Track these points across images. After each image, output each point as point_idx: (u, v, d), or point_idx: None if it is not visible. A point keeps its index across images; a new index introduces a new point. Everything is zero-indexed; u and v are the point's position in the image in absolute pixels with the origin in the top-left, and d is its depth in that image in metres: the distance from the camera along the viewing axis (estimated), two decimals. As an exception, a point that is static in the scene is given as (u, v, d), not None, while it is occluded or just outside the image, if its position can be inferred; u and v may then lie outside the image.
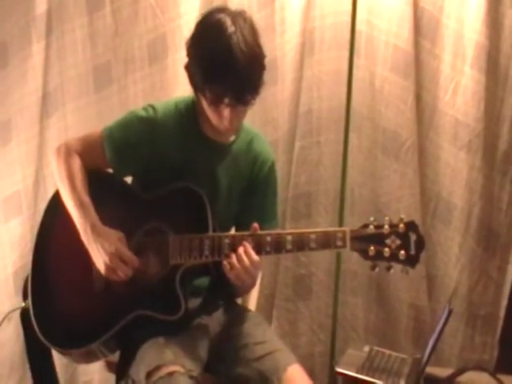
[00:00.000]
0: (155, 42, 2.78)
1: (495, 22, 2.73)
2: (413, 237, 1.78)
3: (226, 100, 1.82)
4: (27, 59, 2.77)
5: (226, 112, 1.86)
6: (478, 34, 2.70)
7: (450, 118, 2.79)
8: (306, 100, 2.83)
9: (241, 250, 1.83)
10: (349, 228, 1.82)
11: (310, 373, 2.04)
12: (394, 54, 2.77)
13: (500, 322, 2.84)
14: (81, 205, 1.94)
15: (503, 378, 2.25)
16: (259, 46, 1.85)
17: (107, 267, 1.88)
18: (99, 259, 1.89)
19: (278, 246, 1.84)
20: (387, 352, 2.35)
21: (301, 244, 1.83)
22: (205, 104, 1.89)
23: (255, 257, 1.82)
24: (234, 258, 1.83)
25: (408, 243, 1.77)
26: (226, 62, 1.77)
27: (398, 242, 1.78)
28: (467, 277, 2.82)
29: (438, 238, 2.84)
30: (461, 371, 2.28)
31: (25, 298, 2.06)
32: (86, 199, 1.95)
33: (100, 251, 1.88)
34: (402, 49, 2.75)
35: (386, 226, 1.79)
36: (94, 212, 1.93)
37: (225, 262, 1.84)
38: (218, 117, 1.89)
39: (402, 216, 1.80)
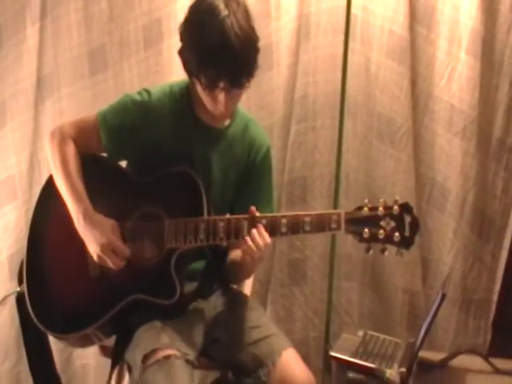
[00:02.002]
0: (150, 26, 2.77)
1: (490, 8, 2.72)
2: (407, 219, 1.77)
3: (221, 84, 1.82)
4: (21, 43, 2.76)
5: (221, 96, 1.85)
6: (473, 20, 2.70)
7: (445, 104, 2.79)
8: (302, 85, 2.82)
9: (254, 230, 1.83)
10: (343, 210, 1.82)
11: (305, 357, 2.03)
12: (390, 40, 2.76)
13: (493, 307, 2.86)
14: (74, 192, 1.94)
15: (496, 361, 2.27)
16: (253, 29, 1.84)
17: (98, 257, 1.89)
18: (91, 247, 1.90)
19: (273, 229, 1.84)
20: (381, 336, 2.36)
21: (295, 227, 1.83)
22: (199, 89, 1.89)
23: (268, 238, 1.82)
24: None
25: (402, 225, 1.77)
26: (221, 46, 1.77)
27: (393, 223, 1.77)
28: (461, 262, 2.84)
29: (432, 224, 2.85)
30: (454, 355, 2.29)
31: (20, 282, 2.07)
32: (80, 186, 1.95)
33: (92, 240, 1.90)
34: (397, 34, 2.74)
35: (381, 208, 1.78)
36: (88, 199, 1.94)
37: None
38: (213, 101, 1.88)
39: (397, 198, 1.79)
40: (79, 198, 1.93)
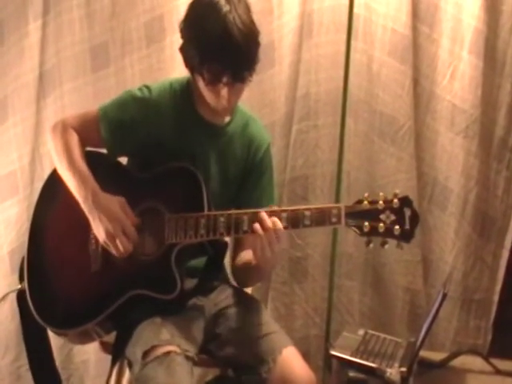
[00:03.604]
0: (152, 22, 2.77)
1: (493, 8, 2.72)
2: (407, 212, 1.76)
3: (225, 79, 1.82)
4: (24, 38, 2.77)
5: (224, 91, 1.86)
6: (476, 20, 2.69)
7: (447, 103, 2.78)
8: (304, 83, 2.82)
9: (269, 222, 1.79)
10: (343, 204, 1.81)
11: (305, 355, 2.04)
12: (392, 38, 2.75)
13: (494, 307, 2.85)
14: (80, 174, 1.94)
15: (496, 362, 2.26)
16: (254, 23, 1.85)
17: (108, 235, 1.88)
18: (100, 227, 1.89)
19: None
20: (382, 335, 2.36)
21: (295, 221, 1.81)
22: (202, 84, 1.89)
23: (279, 226, 1.79)
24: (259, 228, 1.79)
25: (403, 218, 1.76)
26: (224, 41, 1.77)
27: (393, 217, 1.76)
28: (462, 262, 2.83)
29: (434, 223, 2.84)
30: (454, 355, 2.29)
31: (21, 279, 2.06)
32: (85, 169, 1.95)
33: (102, 218, 1.88)
34: (399, 33, 2.73)
35: (381, 202, 1.78)
36: (94, 181, 1.93)
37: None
38: (215, 96, 1.89)
39: (397, 191, 1.78)
40: (85, 180, 1.93)
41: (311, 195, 2.88)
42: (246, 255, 2.03)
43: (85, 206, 1.91)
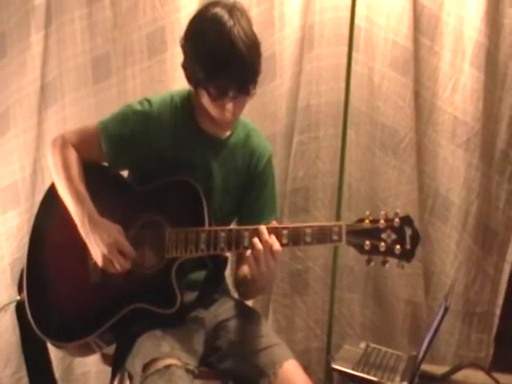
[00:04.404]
0: (154, 34, 2.78)
1: (495, 21, 2.72)
2: (408, 231, 1.77)
3: (231, 93, 1.82)
4: (26, 50, 2.78)
5: (230, 105, 1.86)
6: (477, 33, 2.70)
7: (448, 115, 2.78)
8: (305, 95, 2.82)
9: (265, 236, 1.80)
10: (344, 222, 1.81)
11: (306, 368, 2.02)
12: (393, 51, 2.76)
13: (496, 320, 2.84)
14: (77, 196, 1.94)
15: (498, 376, 2.25)
16: (255, 34, 1.86)
17: (105, 258, 1.88)
18: (97, 251, 1.89)
19: None
20: (383, 349, 2.35)
21: (296, 238, 1.82)
22: (206, 99, 1.88)
23: (277, 246, 1.79)
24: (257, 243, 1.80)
25: (403, 238, 1.77)
26: (231, 56, 1.78)
27: (394, 236, 1.77)
28: (464, 274, 2.82)
29: (435, 235, 2.84)
30: (456, 369, 2.27)
31: (20, 291, 2.06)
32: (83, 190, 1.95)
33: (98, 242, 1.88)
34: (401, 45, 2.74)
35: (382, 221, 1.78)
36: (91, 203, 1.93)
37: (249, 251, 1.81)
38: (220, 110, 1.88)
39: (398, 210, 1.79)
40: (82, 201, 1.93)
41: (312, 207, 2.87)
42: (244, 269, 2.02)
43: (81, 230, 1.92)
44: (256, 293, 2.16)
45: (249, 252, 1.83)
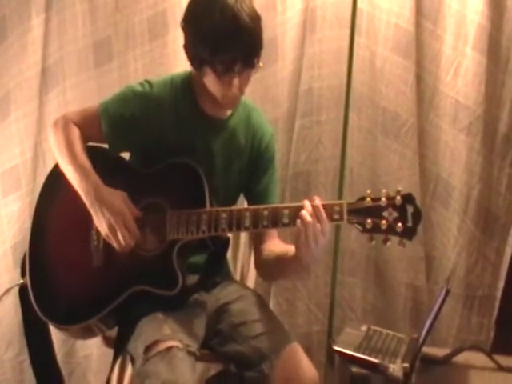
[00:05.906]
0: (156, 17, 2.77)
1: (497, 4, 2.72)
2: (410, 209, 1.75)
3: (237, 67, 1.82)
4: (27, 33, 2.76)
5: (236, 80, 1.87)
6: (479, 16, 2.69)
7: (450, 99, 2.78)
8: (307, 78, 2.81)
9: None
10: (346, 201, 1.80)
11: (308, 351, 2.03)
12: (396, 34, 2.75)
13: (497, 304, 2.86)
14: (82, 169, 1.94)
15: (499, 358, 2.25)
16: (256, 10, 1.87)
17: (110, 228, 1.88)
18: (101, 220, 1.89)
19: (275, 220, 1.83)
20: (384, 331, 2.35)
21: (297, 217, 1.80)
22: (212, 78, 1.88)
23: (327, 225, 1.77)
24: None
25: (405, 215, 1.75)
26: (235, 29, 1.79)
27: (395, 214, 1.75)
28: (465, 258, 2.83)
29: (436, 220, 2.84)
30: (457, 351, 2.28)
31: (23, 274, 2.06)
32: (87, 163, 1.95)
33: (104, 212, 1.88)
34: (403, 28, 2.73)
35: (383, 199, 1.76)
36: (96, 175, 1.93)
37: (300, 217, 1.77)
38: (227, 87, 1.88)
39: (400, 188, 1.77)
40: (87, 174, 1.93)
41: (314, 191, 2.86)
42: (277, 247, 2.01)
43: (87, 200, 1.91)
44: (294, 272, 2.14)
45: (296, 231, 1.78)
